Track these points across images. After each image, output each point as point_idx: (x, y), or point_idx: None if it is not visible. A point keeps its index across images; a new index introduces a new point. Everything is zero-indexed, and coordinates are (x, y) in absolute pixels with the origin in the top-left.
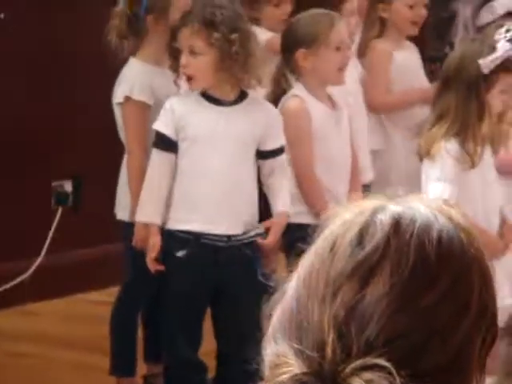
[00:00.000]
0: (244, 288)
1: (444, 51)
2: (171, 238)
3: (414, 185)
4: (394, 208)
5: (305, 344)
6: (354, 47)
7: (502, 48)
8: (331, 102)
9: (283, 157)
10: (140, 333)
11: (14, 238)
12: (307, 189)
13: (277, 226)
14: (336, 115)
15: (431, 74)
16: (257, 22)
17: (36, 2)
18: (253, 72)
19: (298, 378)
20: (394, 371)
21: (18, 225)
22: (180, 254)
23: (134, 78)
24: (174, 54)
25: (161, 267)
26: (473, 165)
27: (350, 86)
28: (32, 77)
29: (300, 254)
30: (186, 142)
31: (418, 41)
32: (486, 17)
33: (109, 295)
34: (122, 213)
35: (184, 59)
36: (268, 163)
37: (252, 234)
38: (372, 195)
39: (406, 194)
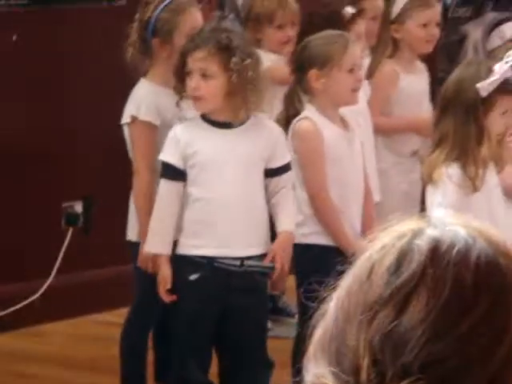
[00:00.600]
0: (252, 313)
1: None
2: (183, 262)
3: (408, 208)
4: (432, 232)
5: (342, 367)
6: (362, 71)
7: (499, 70)
8: (343, 123)
9: (289, 174)
10: (150, 354)
11: (24, 259)
12: (321, 210)
13: (281, 250)
14: (348, 136)
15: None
16: (258, 43)
17: (45, 22)
18: (261, 96)
19: None
20: None
21: (29, 246)
22: (193, 277)
23: (142, 99)
24: (181, 77)
25: (173, 297)
26: (475, 189)
27: (361, 107)
28: (43, 96)
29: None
30: (195, 169)
31: (428, 62)
32: (495, 41)
33: (119, 316)
34: (130, 233)
35: (194, 82)
36: (274, 181)
37: (264, 265)
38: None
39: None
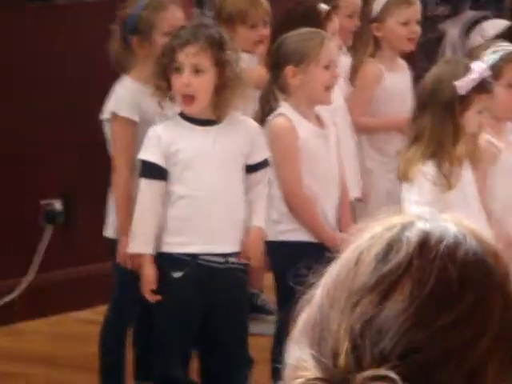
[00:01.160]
0: (235, 311)
1: None
2: (167, 260)
3: (392, 206)
4: (422, 226)
5: (322, 351)
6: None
7: (477, 69)
8: (318, 121)
9: (266, 170)
10: (129, 352)
11: (3, 257)
12: (297, 206)
13: (253, 246)
14: (323, 133)
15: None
16: None
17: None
18: (245, 92)
19: (310, 383)
20: None
21: (7, 244)
22: (176, 274)
23: (122, 95)
24: (165, 75)
25: (158, 297)
26: (450, 186)
27: (337, 105)
28: (18, 92)
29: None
30: (177, 167)
31: (407, 60)
32: (476, 39)
33: (99, 314)
34: (108, 230)
35: (185, 78)
36: (252, 177)
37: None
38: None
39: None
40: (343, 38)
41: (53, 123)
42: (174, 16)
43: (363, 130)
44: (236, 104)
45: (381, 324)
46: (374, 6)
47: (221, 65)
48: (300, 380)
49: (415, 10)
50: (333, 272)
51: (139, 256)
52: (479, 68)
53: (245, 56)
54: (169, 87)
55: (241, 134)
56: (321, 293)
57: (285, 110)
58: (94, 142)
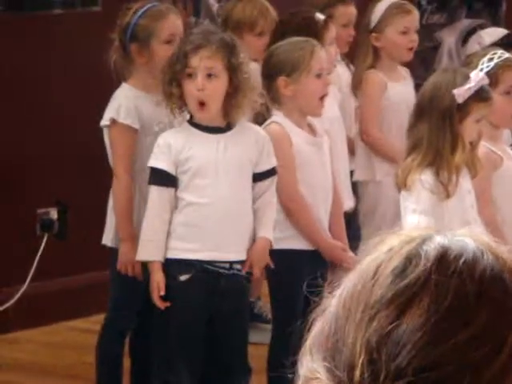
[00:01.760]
0: (236, 318)
1: None
2: (174, 264)
3: (400, 218)
4: (441, 241)
5: (336, 363)
6: (334, 76)
7: (475, 77)
8: (311, 129)
9: (274, 179)
10: (126, 362)
11: None
12: (295, 212)
13: (258, 256)
14: (317, 142)
15: None
16: None
17: (18, 28)
18: (253, 98)
19: None
20: None
21: (3, 252)
22: (183, 278)
23: (122, 102)
24: (175, 82)
25: (167, 304)
26: (448, 195)
27: (333, 116)
28: (16, 102)
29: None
30: (187, 175)
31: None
32: (473, 46)
33: (94, 323)
34: (105, 237)
35: (200, 82)
36: (259, 185)
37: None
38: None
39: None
40: (339, 47)
41: (49, 133)
42: (174, 24)
43: (371, 143)
44: (247, 109)
45: (397, 339)
46: (372, 16)
47: (232, 69)
48: None
49: (413, 19)
50: (349, 284)
51: (139, 263)
52: (477, 76)
53: (253, 65)
54: (180, 94)
55: (250, 141)
56: (336, 304)
57: (278, 119)
58: (90, 152)
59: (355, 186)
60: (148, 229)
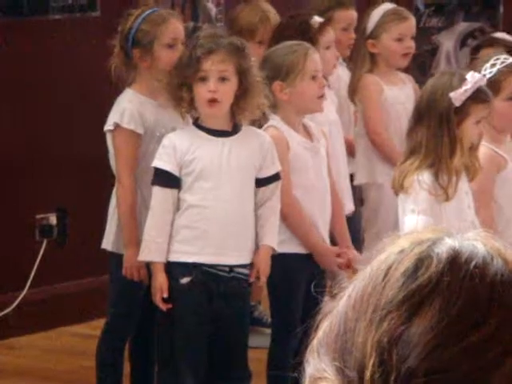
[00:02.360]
0: (237, 321)
1: None
2: (175, 267)
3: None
4: (452, 243)
5: (346, 364)
6: (333, 79)
7: (471, 79)
8: (308, 134)
9: (278, 184)
10: (127, 366)
11: None
12: (289, 216)
13: (263, 263)
14: (313, 146)
15: None
16: None
17: (17, 33)
18: (260, 101)
19: None
20: None
21: (2, 258)
22: (184, 281)
23: (125, 107)
24: (186, 87)
25: (169, 306)
26: (447, 197)
27: (331, 120)
28: (15, 108)
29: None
30: (191, 177)
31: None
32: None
33: (95, 328)
34: (105, 241)
35: (213, 85)
36: (262, 191)
37: (247, 271)
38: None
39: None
40: (339, 50)
41: (48, 137)
42: (175, 28)
43: (380, 144)
44: (254, 112)
45: (408, 340)
46: (368, 23)
47: (242, 72)
48: None
49: (409, 26)
50: (359, 285)
51: (144, 267)
52: (473, 78)
53: None
54: (190, 99)
55: (255, 146)
56: (345, 305)
57: (275, 123)
58: (89, 157)
59: (355, 190)
60: (151, 230)
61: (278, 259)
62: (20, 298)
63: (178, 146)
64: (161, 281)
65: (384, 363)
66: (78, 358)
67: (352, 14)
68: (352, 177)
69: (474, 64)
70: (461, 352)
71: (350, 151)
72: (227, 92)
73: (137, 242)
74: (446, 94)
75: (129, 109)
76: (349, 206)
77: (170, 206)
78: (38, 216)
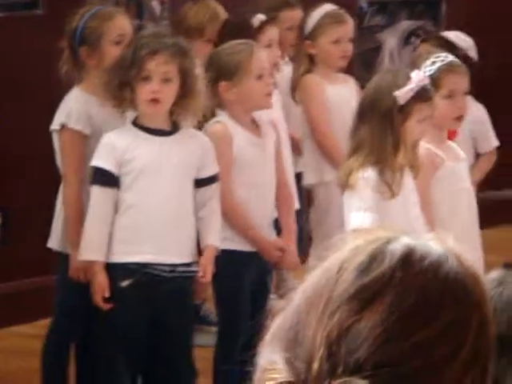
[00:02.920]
0: (180, 321)
1: None
2: (116, 269)
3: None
4: (407, 241)
5: (296, 355)
6: (279, 77)
7: (416, 78)
8: (256, 129)
9: (217, 185)
10: (72, 367)
11: None
12: (228, 213)
13: (209, 263)
14: (260, 142)
15: None
16: None
17: None
18: (198, 104)
19: None
20: None
21: None
22: (124, 284)
23: (72, 107)
24: (128, 86)
25: (110, 305)
26: (393, 195)
27: (276, 117)
28: None
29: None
30: (130, 176)
31: (347, 71)
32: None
33: (40, 328)
34: (52, 241)
35: (156, 86)
36: (201, 191)
37: (193, 269)
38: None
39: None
40: (283, 49)
41: None
42: (123, 25)
43: (322, 144)
44: (195, 112)
45: (358, 333)
46: (307, 24)
47: (185, 73)
48: (271, 382)
49: (347, 29)
50: (312, 279)
51: (91, 266)
52: (418, 77)
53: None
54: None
55: (194, 146)
56: (298, 298)
57: (222, 118)
58: (35, 156)
59: (302, 189)
60: (90, 229)
61: (224, 256)
62: None
63: (117, 145)
64: (101, 281)
65: (332, 355)
66: (23, 358)
67: (298, 13)
68: (299, 176)
69: (415, 61)
70: (412, 347)
71: (296, 150)
72: (170, 92)
73: None
74: (390, 93)
75: (76, 109)
76: (295, 204)
77: (110, 205)
78: None
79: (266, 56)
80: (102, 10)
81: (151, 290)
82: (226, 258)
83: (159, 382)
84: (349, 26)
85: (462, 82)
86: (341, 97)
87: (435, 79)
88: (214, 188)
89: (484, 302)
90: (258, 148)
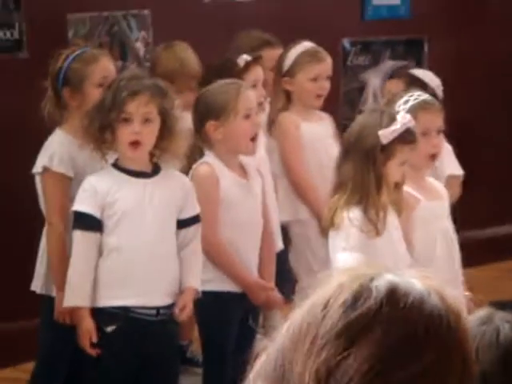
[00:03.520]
0: (166, 364)
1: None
2: (100, 314)
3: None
4: (390, 278)
5: None
6: (263, 118)
7: (401, 119)
8: (243, 171)
9: (199, 226)
10: None
11: None
12: (212, 254)
13: (188, 304)
14: (247, 184)
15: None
16: None
17: None
18: (178, 145)
19: None
20: None
21: None
22: (109, 329)
23: (55, 149)
24: (109, 128)
25: (97, 351)
26: (377, 233)
27: (260, 156)
28: None
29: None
30: (113, 219)
31: (331, 110)
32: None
33: (23, 372)
34: (35, 283)
35: (137, 127)
36: (183, 232)
37: (175, 310)
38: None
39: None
40: (266, 89)
41: None
42: (106, 67)
43: (295, 183)
44: (176, 154)
45: (347, 369)
46: (285, 61)
47: (165, 114)
48: None
49: (325, 67)
50: (297, 316)
51: (76, 311)
52: (403, 119)
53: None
54: (112, 140)
55: (176, 187)
56: (284, 336)
57: (209, 159)
58: (18, 197)
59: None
60: (74, 275)
61: (208, 296)
62: None
63: (99, 189)
64: (87, 326)
65: None
66: None
67: (279, 53)
68: None
69: (389, 100)
70: (399, 382)
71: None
72: (150, 133)
73: None
74: (374, 132)
75: (59, 151)
76: (278, 244)
77: (93, 249)
78: None
79: (253, 96)
80: (87, 52)
81: (136, 334)
82: (211, 300)
83: None
84: (327, 64)
85: (436, 120)
86: (316, 134)
87: None
88: (196, 228)
89: (466, 340)
90: (244, 189)
